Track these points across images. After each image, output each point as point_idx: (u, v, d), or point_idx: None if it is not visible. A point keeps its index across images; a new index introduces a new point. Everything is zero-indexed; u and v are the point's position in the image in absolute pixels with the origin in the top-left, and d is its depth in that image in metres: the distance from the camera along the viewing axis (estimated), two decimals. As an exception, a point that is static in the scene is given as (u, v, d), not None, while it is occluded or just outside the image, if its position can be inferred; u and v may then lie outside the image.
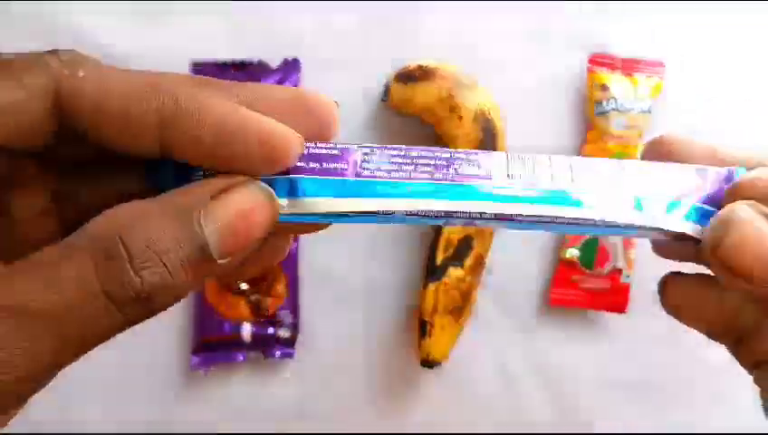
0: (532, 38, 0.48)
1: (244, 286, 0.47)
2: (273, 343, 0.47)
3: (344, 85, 0.48)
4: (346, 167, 0.21)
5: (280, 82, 0.47)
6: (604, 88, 0.47)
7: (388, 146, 0.22)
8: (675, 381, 0.49)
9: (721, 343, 0.24)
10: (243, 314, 0.47)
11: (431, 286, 0.45)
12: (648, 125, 0.47)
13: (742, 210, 0.21)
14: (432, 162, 0.22)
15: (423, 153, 0.22)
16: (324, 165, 0.21)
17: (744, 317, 0.23)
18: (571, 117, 0.49)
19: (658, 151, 0.24)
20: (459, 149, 0.22)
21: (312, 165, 0.21)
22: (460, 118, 0.44)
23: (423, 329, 0.45)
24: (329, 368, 0.48)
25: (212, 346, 0.47)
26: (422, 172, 0.21)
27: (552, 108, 0.49)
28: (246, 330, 0.47)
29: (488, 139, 0.44)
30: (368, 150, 0.21)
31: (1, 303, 0.16)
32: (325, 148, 0.21)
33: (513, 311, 0.49)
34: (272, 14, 0.47)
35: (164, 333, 0.48)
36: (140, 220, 0.17)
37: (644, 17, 0.48)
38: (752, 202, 0.21)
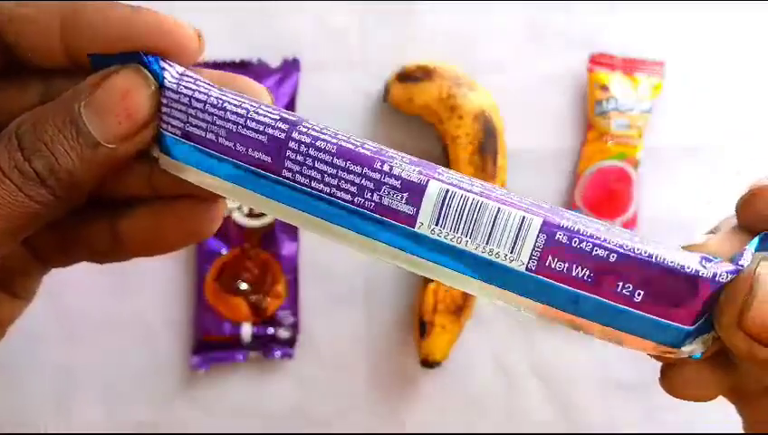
0: (531, 38, 0.48)
1: (244, 287, 0.47)
2: (273, 343, 0.47)
3: (344, 85, 0.48)
4: (269, 160, 0.20)
5: (280, 82, 0.47)
6: (604, 88, 0.47)
7: (325, 142, 0.20)
8: (675, 381, 0.49)
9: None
10: (243, 315, 0.47)
11: (431, 286, 0.45)
12: (648, 125, 0.47)
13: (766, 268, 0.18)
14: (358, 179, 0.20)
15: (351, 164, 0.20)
16: (251, 152, 0.20)
17: (750, 382, 0.21)
18: (571, 117, 0.49)
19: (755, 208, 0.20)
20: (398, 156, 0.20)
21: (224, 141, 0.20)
22: (460, 118, 0.44)
23: (423, 329, 0.45)
24: (329, 368, 0.48)
25: (212, 346, 0.47)
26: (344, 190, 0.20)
27: (552, 108, 0.49)
28: (246, 330, 0.47)
29: (488, 138, 0.45)
30: (296, 145, 0.20)
31: None
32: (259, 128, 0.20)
33: (513, 310, 0.49)
34: (272, 14, 0.47)
35: (164, 332, 0.48)
36: (32, 115, 0.19)
37: (644, 17, 0.48)
38: None
